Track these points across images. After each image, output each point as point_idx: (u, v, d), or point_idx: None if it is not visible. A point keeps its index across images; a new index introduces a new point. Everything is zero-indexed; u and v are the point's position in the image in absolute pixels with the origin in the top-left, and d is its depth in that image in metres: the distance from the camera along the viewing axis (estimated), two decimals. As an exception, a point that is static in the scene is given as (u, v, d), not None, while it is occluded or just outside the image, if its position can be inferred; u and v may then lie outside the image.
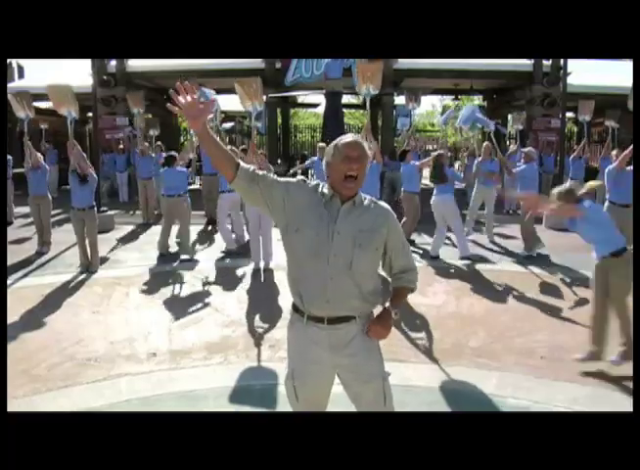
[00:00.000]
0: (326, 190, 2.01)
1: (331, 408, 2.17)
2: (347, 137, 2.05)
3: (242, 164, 1.99)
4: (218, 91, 19.51)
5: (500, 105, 16.97)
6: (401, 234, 2.12)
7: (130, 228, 9.20)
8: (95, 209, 6.46)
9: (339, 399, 2.21)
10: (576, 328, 4.47)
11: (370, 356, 2.04)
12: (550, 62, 14.39)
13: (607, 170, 6.33)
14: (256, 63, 13.96)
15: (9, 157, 9.30)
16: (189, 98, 1.90)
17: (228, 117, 24.09)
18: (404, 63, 13.94)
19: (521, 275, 6.21)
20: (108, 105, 14.00)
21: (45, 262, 6.86)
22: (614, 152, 6.56)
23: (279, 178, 2.05)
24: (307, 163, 9.34)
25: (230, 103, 21.46)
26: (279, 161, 15.37)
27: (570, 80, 12.94)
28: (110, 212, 9.01)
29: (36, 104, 16.92)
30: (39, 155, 7.41)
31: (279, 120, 15.97)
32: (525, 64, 14.50)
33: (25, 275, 6.26)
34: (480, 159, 8.22)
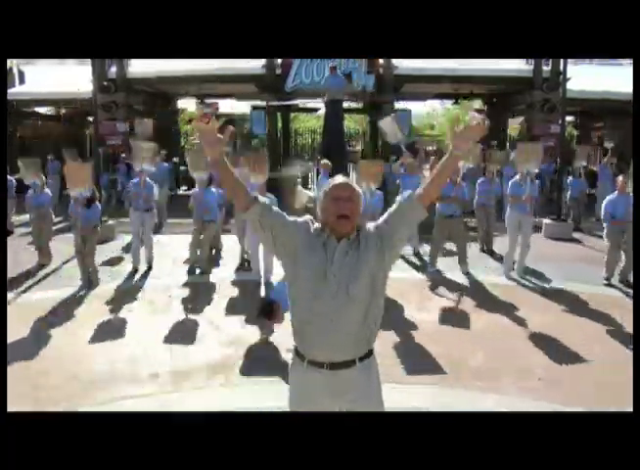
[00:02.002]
0: (326, 229, 2.05)
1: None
2: (337, 179, 2.09)
3: (258, 197, 2.05)
4: (218, 96, 19.63)
5: (500, 109, 16.99)
6: (392, 220, 2.05)
7: (131, 238, 9.21)
8: (98, 228, 6.52)
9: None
10: (575, 348, 4.51)
11: (371, 402, 2.07)
12: (550, 67, 14.41)
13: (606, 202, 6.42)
14: (256, 69, 13.98)
15: (11, 178, 9.27)
16: (208, 124, 1.95)
17: (229, 120, 24.20)
18: (404, 68, 13.97)
19: (520, 290, 6.24)
20: (108, 111, 14.02)
21: (46, 275, 6.90)
22: (619, 177, 6.56)
23: (287, 217, 2.08)
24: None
25: (229, 105, 21.57)
26: (279, 166, 15.40)
27: (569, 86, 12.97)
28: (110, 222, 9.02)
29: (37, 109, 16.98)
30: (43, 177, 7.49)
31: (279, 125, 15.95)
32: (524, 69, 14.53)
33: (27, 289, 6.30)
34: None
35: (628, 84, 12.70)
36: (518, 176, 6.61)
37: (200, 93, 17.17)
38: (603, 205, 6.46)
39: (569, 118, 17.96)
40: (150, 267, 7.14)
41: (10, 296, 5.96)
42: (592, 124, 18.18)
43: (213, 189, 6.97)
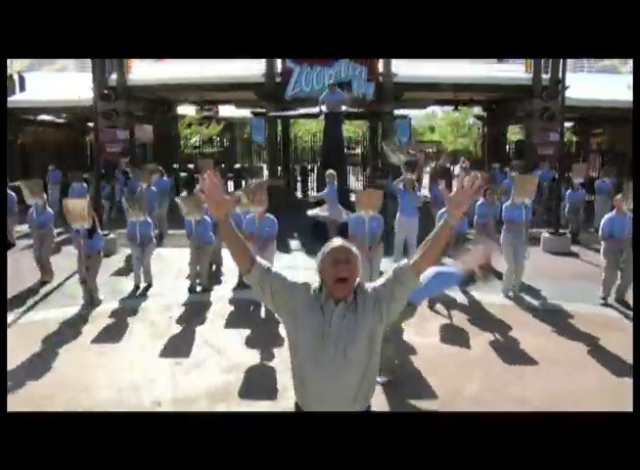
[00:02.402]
0: (324, 291, 2.11)
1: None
2: (335, 242, 2.14)
3: (257, 260, 2.14)
4: (218, 102, 19.64)
5: (499, 116, 17.05)
6: (384, 288, 2.11)
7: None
8: (101, 255, 6.59)
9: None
10: (570, 374, 4.58)
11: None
12: (549, 75, 14.46)
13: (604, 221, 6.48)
14: (256, 77, 14.01)
15: (12, 194, 9.30)
16: (213, 183, 2.02)
17: (228, 124, 24.21)
18: (404, 76, 14.01)
19: (516, 310, 6.29)
20: (109, 118, 14.05)
21: (49, 293, 6.96)
22: (618, 196, 6.61)
23: (287, 278, 2.15)
24: (323, 193, 9.23)
25: (229, 110, 21.58)
26: (279, 173, 15.45)
27: (568, 94, 13.03)
28: (112, 236, 9.06)
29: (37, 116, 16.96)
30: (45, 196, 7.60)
31: (279, 129, 15.99)
32: (524, 77, 14.57)
33: (30, 308, 6.36)
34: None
35: (627, 92, 12.78)
36: (511, 199, 6.67)
37: (200, 100, 17.22)
38: (601, 223, 6.52)
39: (568, 125, 18.01)
40: (149, 285, 7.19)
41: (12, 315, 6.03)
42: (591, 130, 18.23)
43: (207, 217, 6.97)
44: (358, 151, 21.00)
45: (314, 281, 2.17)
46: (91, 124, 15.89)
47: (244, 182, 17.08)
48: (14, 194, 9.44)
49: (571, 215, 10.02)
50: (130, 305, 6.45)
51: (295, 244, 9.79)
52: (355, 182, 17.19)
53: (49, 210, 7.51)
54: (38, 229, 7.34)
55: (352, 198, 10.64)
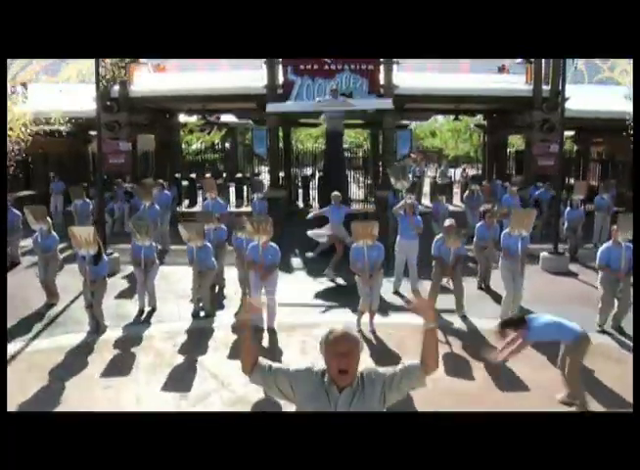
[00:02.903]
0: (327, 377, 2.21)
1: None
2: (336, 332, 2.20)
3: (259, 362, 2.32)
4: (220, 111, 19.68)
5: (500, 125, 17.11)
6: (393, 375, 2.23)
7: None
8: (106, 280, 6.68)
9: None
10: (564, 408, 4.67)
11: None
12: (549, 87, 14.53)
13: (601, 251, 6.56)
14: (258, 88, 14.09)
15: (16, 212, 9.40)
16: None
17: (230, 129, 24.30)
18: (405, 88, 14.09)
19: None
20: (111, 130, 14.15)
21: (55, 317, 7.06)
22: (614, 227, 6.63)
23: (289, 369, 2.29)
24: (324, 210, 9.29)
25: (230, 116, 21.68)
26: (281, 180, 15.53)
27: (568, 105, 13.11)
28: (115, 255, 9.15)
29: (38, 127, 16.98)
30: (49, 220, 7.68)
31: (280, 135, 16.08)
32: (524, 89, 14.64)
33: (36, 335, 6.47)
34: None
35: (627, 104, 12.83)
36: (509, 229, 6.75)
37: (202, 109, 17.30)
38: (598, 252, 6.60)
39: (568, 133, 18.07)
40: (154, 310, 7.30)
41: (20, 343, 6.15)
42: (592, 139, 18.29)
43: (208, 243, 7.10)
44: (360, 154, 21.05)
45: (315, 363, 2.29)
46: (93, 133, 16.03)
47: (245, 189, 17.21)
48: (18, 212, 9.55)
49: (569, 233, 10.10)
50: (135, 333, 6.55)
51: (296, 262, 9.90)
52: (357, 190, 17.26)
53: (54, 234, 7.60)
54: (43, 253, 7.44)
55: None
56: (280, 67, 14.00)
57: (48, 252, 7.43)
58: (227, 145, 26.14)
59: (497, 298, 7.53)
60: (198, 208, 15.73)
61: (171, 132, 17.89)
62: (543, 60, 14.55)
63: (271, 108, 13.27)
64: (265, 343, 6.27)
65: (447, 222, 6.94)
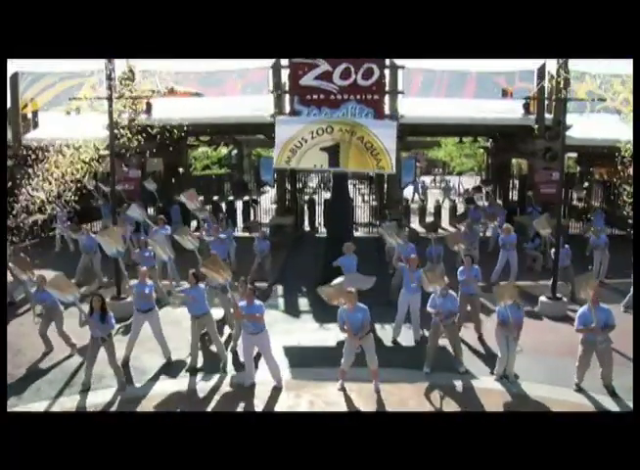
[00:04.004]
0: None
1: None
2: None
3: None
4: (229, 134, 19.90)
5: (504, 147, 17.33)
6: None
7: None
8: (112, 337, 6.79)
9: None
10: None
11: None
12: (552, 115, 14.74)
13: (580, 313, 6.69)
14: (264, 118, 14.39)
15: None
16: None
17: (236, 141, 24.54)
18: (410, 118, 14.36)
19: (506, 397, 6.51)
20: (121, 158, 14.47)
21: (75, 372, 7.27)
22: (591, 292, 6.65)
23: None
24: (334, 263, 9.46)
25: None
26: (287, 203, 15.83)
27: (570, 133, 13.40)
28: (129, 300, 9.37)
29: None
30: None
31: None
32: (527, 118, 14.86)
33: (60, 393, 6.66)
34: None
35: (628, 131, 13.04)
36: (502, 304, 6.91)
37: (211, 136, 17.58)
38: (577, 314, 6.75)
39: (571, 154, 18.28)
40: (169, 362, 7.59)
41: (45, 403, 6.28)
42: (593, 161, 18.48)
43: (202, 285, 7.34)
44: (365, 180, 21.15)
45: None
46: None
47: (252, 211, 17.53)
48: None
49: (562, 273, 9.87)
50: (155, 390, 6.80)
51: (303, 303, 10.17)
52: (362, 214, 17.52)
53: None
54: (41, 305, 7.71)
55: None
56: (287, 96, 14.28)
57: (44, 302, 7.64)
58: (233, 153, 26.39)
59: (492, 353, 7.73)
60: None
61: (179, 154, 18.21)
62: (546, 89, 14.77)
63: (280, 128, 13.55)
64: (272, 403, 6.51)
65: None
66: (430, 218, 17.42)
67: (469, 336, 8.45)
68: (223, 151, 24.56)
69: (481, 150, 21.77)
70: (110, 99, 9.95)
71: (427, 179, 26.96)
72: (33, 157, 10.42)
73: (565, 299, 9.48)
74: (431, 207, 18.43)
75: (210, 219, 12.00)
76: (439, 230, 16.13)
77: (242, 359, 7.27)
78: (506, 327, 6.84)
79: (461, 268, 8.41)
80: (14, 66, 14.77)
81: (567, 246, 10.21)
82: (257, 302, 6.87)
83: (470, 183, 27.34)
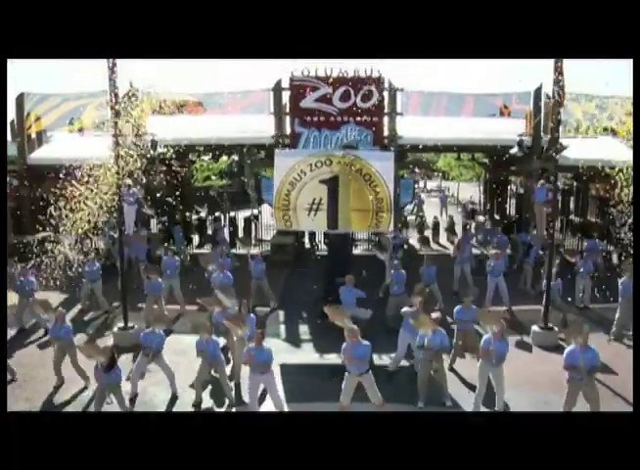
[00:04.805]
0: None
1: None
2: None
3: None
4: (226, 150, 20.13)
5: (501, 164, 17.59)
6: None
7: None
8: (121, 386, 6.86)
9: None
10: None
11: None
12: (548, 136, 14.99)
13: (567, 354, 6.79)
14: (266, 138, 14.68)
15: (32, 279, 9.98)
16: None
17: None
18: (408, 139, 14.64)
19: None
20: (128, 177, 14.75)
21: (87, 406, 7.32)
22: (579, 339, 6.74)
23: None
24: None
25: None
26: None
27: (566, 154, 13.72)
28: (136, 328, 9.57)
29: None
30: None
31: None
32: (523, 139, 15.10)
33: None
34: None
35: (623, 153, 13.30)
36: (490, 334, 7.17)
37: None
38: (565, 355, 6.81)
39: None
40: (175, 396, 7.78)
41: None
42: (590, 177, 18.73)
43: (215, 338, 7.56)
44: None
45: None
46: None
47: (253, 227, 17.81)
48: (34, 280, 10.09)
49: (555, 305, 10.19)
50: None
51: (303, 330, 10.44)
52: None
53: (68, 324, 8.04)
54: (58, 341, 7.88)
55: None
56: (287, 118, 14.56)
57: (61, 339, 7.86)
58: (234, 159, 26.59)
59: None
60: (207, 248, 16.39)
61: (181, 170, 18.49)
62: (543, 109, 15.02)
63: (279, 160, 13.80)
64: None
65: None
66: (427, 231, 17.74)
67: (464, 369, 8.62)
68: (224, 160, 24.79)
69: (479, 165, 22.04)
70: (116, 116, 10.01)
71: (424, 188, 27.34)
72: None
73: (556, 328, 9.76)
74: (429, 221, 18.71)
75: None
76: (437, 246, 16.48)
77: (247, 400, 7.25)
78: (489, 359, 7.06)
79: (459, 308, 8.60)
80: (20, 87, 15.04)
81: (559, 280, 10.42)
82: (266, 345, 6.99)
83: (468, 191, 27.77)
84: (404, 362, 8.56)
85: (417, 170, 22.75)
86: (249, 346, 7.05)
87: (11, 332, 9.73)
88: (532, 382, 8.11)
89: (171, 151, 12.74)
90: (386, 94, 14.23)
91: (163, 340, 7.76)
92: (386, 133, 14.64)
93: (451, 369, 8.63)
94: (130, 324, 9.62)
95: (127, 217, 13.34)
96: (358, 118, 14.35)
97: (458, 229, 17.64)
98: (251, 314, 7.66)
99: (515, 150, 14.13)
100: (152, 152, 11.61)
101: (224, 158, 24.93)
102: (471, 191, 27.05)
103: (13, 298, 10.00)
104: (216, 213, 18.58)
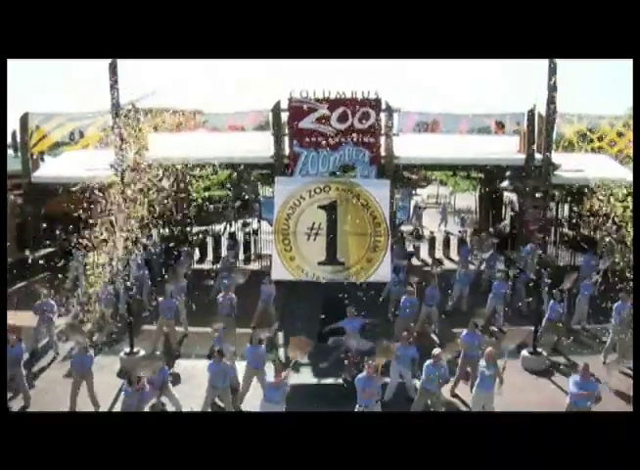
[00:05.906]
0: None
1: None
2: None
3: None
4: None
5: (496, 177, 17.91)
6: None
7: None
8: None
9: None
10: None
11: None
12: (542, 156, 15.32)
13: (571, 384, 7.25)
14: (266, 158, 14.99)
15: (52, 302, 10.30)
16: None
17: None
18: (405, 158, 14.99)
19: None
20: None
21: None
22: (581, 368, 7.31)
23: None
24: (339, 324, 9.98)
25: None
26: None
27: (559, 173, 14.12)
28: (142, 353, 9.83)
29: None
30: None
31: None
32: (517, 158, 15.45)
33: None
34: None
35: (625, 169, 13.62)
36: (484, 362, 7.58)
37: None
38: (571, 381, 7.30)
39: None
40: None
41: None
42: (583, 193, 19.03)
43: (226, 361, 7.92)
44: None
45: None
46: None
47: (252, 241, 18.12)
48: (53, 303, 10.39)
49: (548, 325, 10.50)
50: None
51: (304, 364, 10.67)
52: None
53: (90, 353, 8.31)
54: (78, 371, 8.10)
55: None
56: (286, 138, 14.87)
57: (83, 368, 8.09)
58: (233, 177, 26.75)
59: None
60: (208, 264, 16.71)
61: (181, 186, 18.76)
62: (536, 129, 15.35)
63: (279, 187, 14.13)
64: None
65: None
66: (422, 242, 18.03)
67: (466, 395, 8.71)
68: (222, 177, 24.99)
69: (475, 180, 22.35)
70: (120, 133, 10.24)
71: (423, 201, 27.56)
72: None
73: (545, 353, 10.06)
74: (426, 233, 19.03)
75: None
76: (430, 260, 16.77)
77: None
78: (483, 388, 7.41)
79: (465, 333, 8.91)
80: (26, 107, 15.23)
81: (563, 303, 10.67)
82: (284, 376, 7.23)
83: (465, 200, 28.02)
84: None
85: (414, 176, 22.97)
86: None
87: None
88: (520, 407, 8.37)
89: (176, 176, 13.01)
90: (382, 115, 14.54)
91: (167, 373, 8.03)
92: (383, 153, 14.96)
93: (454, 396, 8.86)
94: (136, 349, 9.91)
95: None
96: (355, 139, 14.66)
97: (454, 242, 17.97)
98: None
99: (505, 183, 14.48)
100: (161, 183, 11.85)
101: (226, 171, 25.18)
102: (468, 200, 27.37)
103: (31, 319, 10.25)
104: (217, 228, 18.88)
